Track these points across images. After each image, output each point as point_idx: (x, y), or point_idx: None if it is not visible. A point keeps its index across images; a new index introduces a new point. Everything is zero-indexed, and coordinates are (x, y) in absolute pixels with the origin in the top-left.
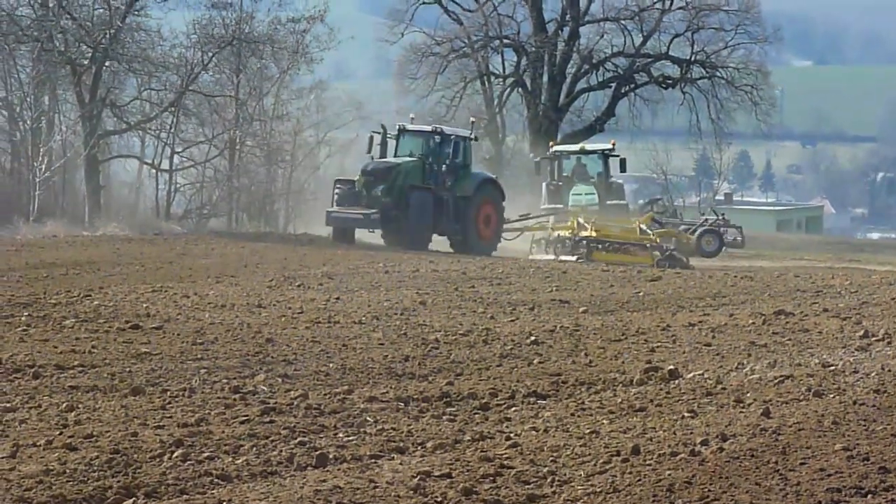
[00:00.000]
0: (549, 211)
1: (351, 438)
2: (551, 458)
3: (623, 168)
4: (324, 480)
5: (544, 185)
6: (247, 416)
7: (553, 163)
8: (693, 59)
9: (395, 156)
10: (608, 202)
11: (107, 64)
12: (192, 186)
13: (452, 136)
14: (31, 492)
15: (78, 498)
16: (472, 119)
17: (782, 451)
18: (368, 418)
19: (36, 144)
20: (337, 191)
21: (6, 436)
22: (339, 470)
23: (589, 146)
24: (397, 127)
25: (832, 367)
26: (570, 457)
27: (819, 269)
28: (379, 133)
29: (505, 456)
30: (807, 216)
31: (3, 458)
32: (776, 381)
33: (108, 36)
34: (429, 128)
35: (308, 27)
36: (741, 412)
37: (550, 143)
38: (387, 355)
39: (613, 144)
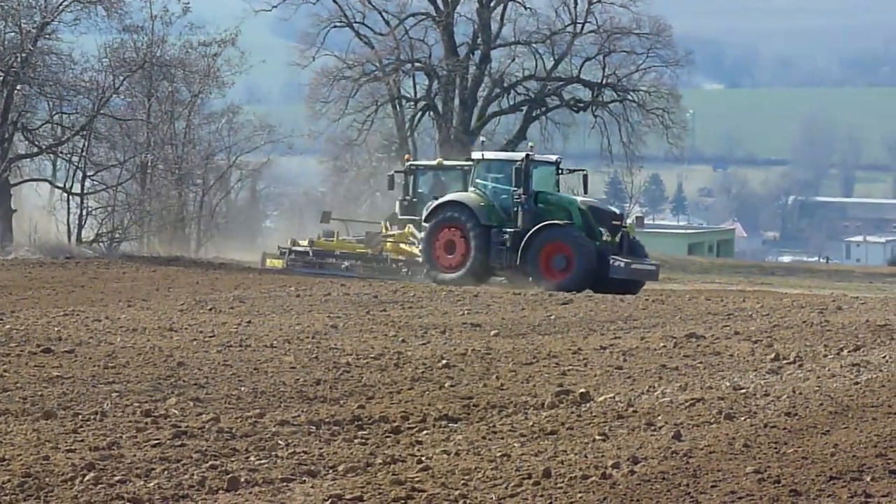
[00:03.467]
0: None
1: (262, 462)
2: (462, 482)
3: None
4: None
5: (397, 201)
6: (158, 439)
7: (408, 178)
8: (604, 82)
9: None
10: None
11: (18, 87)
12: (103, 210)
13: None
14: None
15: None
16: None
17: (693, 474)
18: (280, 442)
19: None
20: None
21: None
22: (250, 493)
23: (447, 161)
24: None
25: (743, 390)
26: (482, 480)
27: (730, 293)
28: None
29: (416, 479)
30: (718, 239)
31: None
32: (687, 403)
33: (19, 59)
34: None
35: (219, 51)
36: (652, 435)
37: (406, 157)
38: (298, 379)
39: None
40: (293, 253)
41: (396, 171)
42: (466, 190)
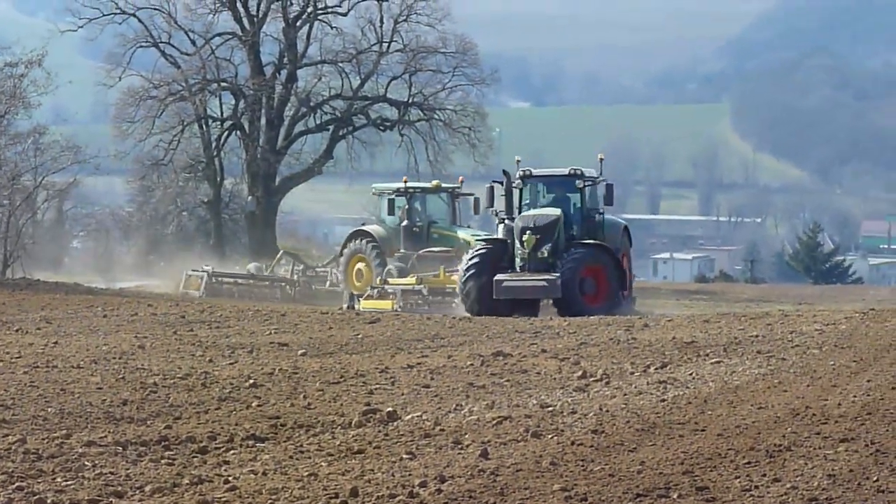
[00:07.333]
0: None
1: (69, 483)
2: (270, 501)
3: (477, 209)
4: None
5: (400, 227)
6: None
7: (411, 202)
8: (411, 101)
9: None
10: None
11: None
12: None
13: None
14: None
15: None
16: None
17: (500, 493)
18: (87, 462)
19: None
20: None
21: None
22: None
23: (443, 184)
24: (521, 172)
25: (550, 408)
26: (289, 500)
27: None
28: (500, 183)
29: (223, 499)
30: None
31: None
32: (494, 422)
33: None
34: (565, 170)
35: (26, 71)
36: (459, 454)
37: (404, 179)
38: (105, 399)
39: (462, 181)
40: (413, 293)
41: (397, 195)
42: (454, 214)
